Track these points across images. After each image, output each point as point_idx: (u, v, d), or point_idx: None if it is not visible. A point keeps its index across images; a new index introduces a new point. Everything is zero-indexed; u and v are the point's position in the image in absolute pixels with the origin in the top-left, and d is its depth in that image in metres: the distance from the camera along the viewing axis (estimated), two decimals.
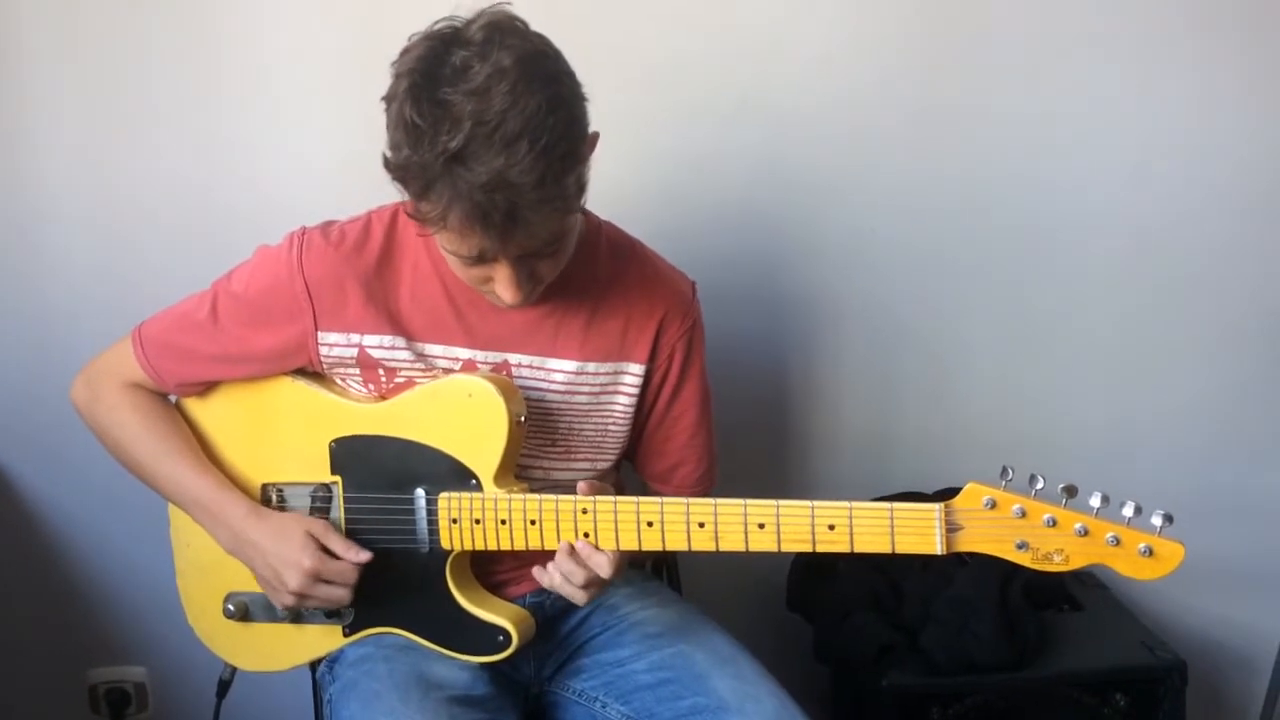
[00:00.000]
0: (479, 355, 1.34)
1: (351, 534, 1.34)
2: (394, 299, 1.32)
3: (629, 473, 1.53)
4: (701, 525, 1.22)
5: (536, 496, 1.26)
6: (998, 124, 1.90)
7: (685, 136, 1.86)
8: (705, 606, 1.50)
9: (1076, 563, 1.12)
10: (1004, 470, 1.13)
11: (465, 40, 1.12)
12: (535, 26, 1.17)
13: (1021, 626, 1.68)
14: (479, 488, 1.29)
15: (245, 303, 1.33)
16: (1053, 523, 1.12)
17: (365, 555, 1.30)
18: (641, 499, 1.24)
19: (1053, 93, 1.89)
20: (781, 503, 1.19)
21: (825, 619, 1.80)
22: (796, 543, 1.19)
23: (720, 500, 1.21)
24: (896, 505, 1.17)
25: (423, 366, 1.33)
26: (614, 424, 1.41)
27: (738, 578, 1.91)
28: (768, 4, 1.83)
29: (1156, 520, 1.10)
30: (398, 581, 1.34)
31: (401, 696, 1.27)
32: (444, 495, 1.30)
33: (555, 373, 1.36)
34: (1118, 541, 1.10)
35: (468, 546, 1.30)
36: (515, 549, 1.28)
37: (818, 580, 1.84)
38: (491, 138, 1.07)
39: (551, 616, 1.44)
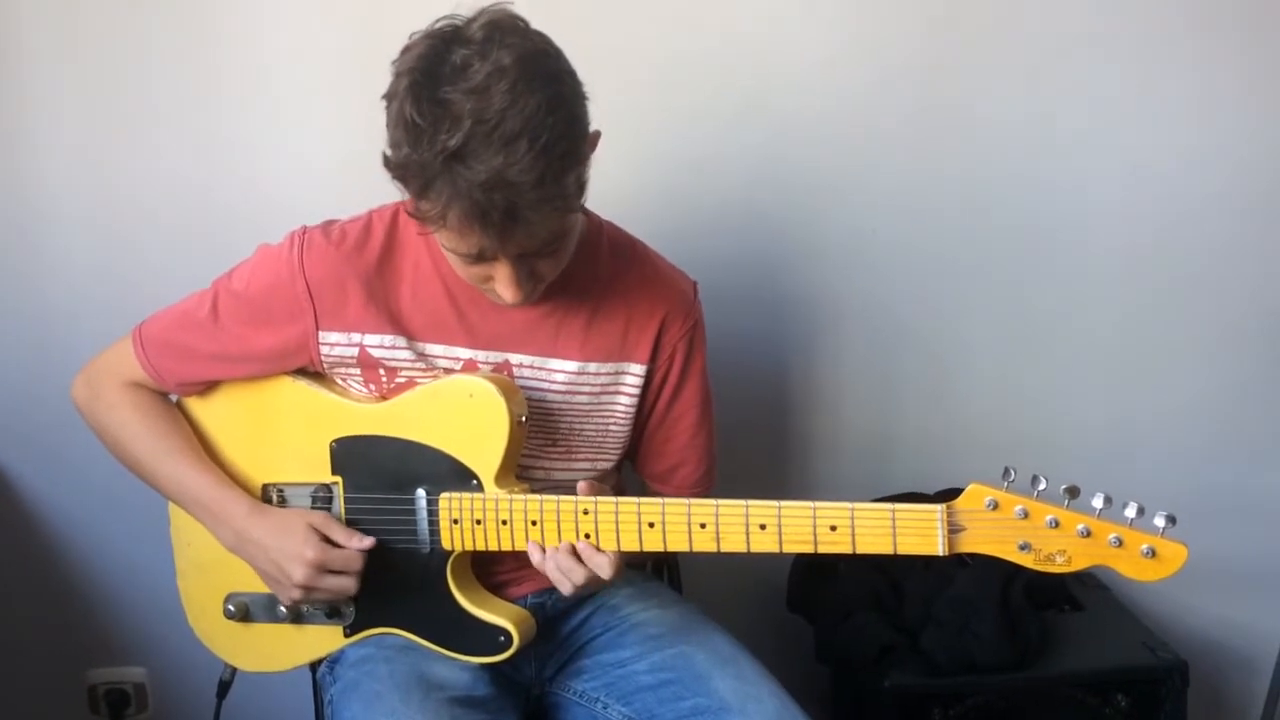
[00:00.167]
0: (480, 355, 1.34)
1: None
2: (395, 299, 1.32)
3: (629, 473, 1.53)
4: (703, 526, 1.22)
5: (538, 497, 1.26)
6: (997, 125, 1.90)
7: (686, 137, 1.86)
8: (706, 607, 1.50)
9: (1079, 564, 1.12)
10: (1006, 471, 1.13)
11: (466, 39, 1.12)
12: (537, 27, 1.16)
13: (1023, 627, 1.68)
14: (480, 488, 1.29)
15: (246, 301, 1.33)
16: (1055, 524, 1.12)
17: (368, 541, 1.31)
18: (643, 500, 1.23)
19: (1053, 93, 1.89)
20: (783, 503, 1.19)
21: (826, 619, 1.80)
22: (798, 544, 1.19)
23: (722, 501, 1.21)
24: (898, 506, 1.16)
25: (423, 366, 1.33)
26: (615, 424, 1.40)
27: (738, 578, 1.91)
28: (768, 6, 1.83)
29: (1159, 521, 1.09)
30: (399, 582, 1.33)
31: (403, 697, 1.27)
32: (445, 496, 1.29)
33: (556, 373, 1.36)
34: (1120, 543, 1.10)
35: (469, 547, 1.30)
36: (516, 549, 1.28)
37: (818, 581, 1.84)
38: (491, 136, 1.07)
39: (552, 617, 1.44)
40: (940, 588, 1.72)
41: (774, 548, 1.20)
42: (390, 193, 1.20)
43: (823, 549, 1.19)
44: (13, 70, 1.75)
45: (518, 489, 1.29)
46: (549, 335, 1.35)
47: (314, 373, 1.37)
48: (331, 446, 1.34)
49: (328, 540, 1.31)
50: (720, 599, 1.64)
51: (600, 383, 1.38)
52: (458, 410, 1.28)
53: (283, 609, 1.39)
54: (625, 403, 1.40)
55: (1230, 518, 2.01)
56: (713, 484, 1.52)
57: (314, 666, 1.48)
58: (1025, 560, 1.14)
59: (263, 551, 1.32)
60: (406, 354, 1.32)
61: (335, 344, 1.32)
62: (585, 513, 1.24)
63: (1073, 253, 1.96)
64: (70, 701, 2.01)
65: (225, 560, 1.37)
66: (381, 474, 1.33)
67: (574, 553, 1.25)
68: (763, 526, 1.20)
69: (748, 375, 1.93)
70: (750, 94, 1.85)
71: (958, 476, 1.57)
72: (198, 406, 1.41)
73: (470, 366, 1.34)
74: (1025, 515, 1.12)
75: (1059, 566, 1.12)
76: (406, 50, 1.14)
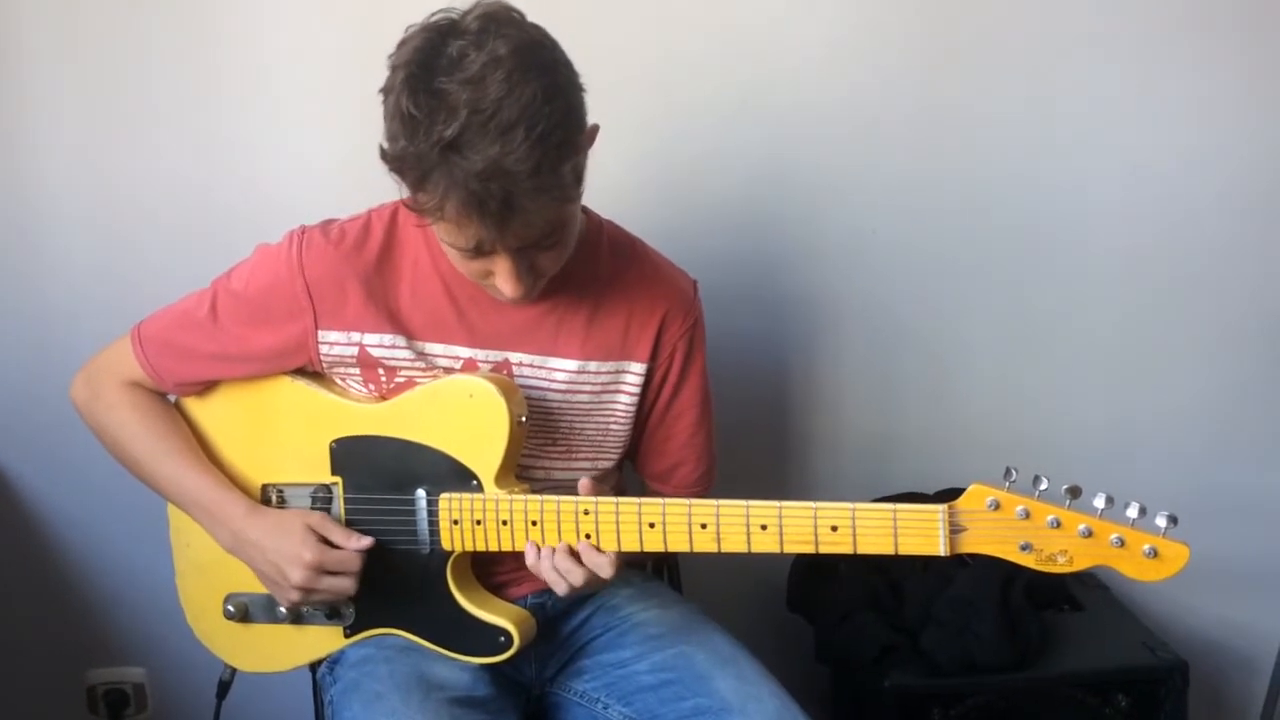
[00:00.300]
0: (480, 354, 1.34)
1: None
2: (394, 298, 1.32)
3: (630, 473, 1.53)
4: (704, 526, 1.21)
5: (538, 497, 1.26)
6: (997, 124, 1.90)
7: (686, 136, 1.86)
8: (706, 607, 1.50)
9: (1081, 564, 1.12)
10: (1007, 471, 1.13)
11: (461, 30, 1.12)
12: None
13: (1023, 627, 1.68)
14: (480, 488, 1.28)
15: (245, 301, 1.33)
16: (1056, 524, 1.12)
17: (366, 541, 1.30)
18: (644, 500, 1.23)
19: (1053, 93, 1.89)
20: (784, 504, 1.19)
21: (826, 619, 1.80)
22: (799, 544, 1.19)
23: (722, 501, 1.21)
24: (900, 506, 1.16)
25: (423, 366, 1.33)
26: (615, 423, 1.40)
27: (738, 578, 1.90)
28: (768, 3, 1.83)
29: (1161, 521, 1.09)
30: (399, 582, 1.33)
31: (403, 697, 1.27)
32: (445, 496, 1.29)
33: (556, 372, 1.35)
34: (1122, 543, 1.10)
35: (469, 547, 1.30)
36: (517, 550, 1.28)
37: (818, 581, 1.84)
38: (487, 126, 1.07)
39: (553, 617, 1.44)
40: (940, 588, 1.72)
41: (775, 548, 1.20)
42: (389, 192, 1.20)
43: (824, 549, 1.19)
44: (13, 70, 1.75)
45: (518, 489, 1.29)
46: (549, 334, 1.35)
47: (313, 372, 1.37)
48: (331, 447, 1.34)
49: (325, 541, 1.31)
50: (720, 599, 1.64)
51: (600, 381, 1.37)
52: (458, 410, 1.28)
53: (282, 609, 1.38)
54: (625, 401, 1.40)
55: (1230, 518, 2.01)
56: (713, 483, 1.52)
57: (314, 667, 1.47)
58: (1027, 560, 1.13)
59: (260, 553, 1.32)
60: (406, 353, 1.32)
61: (335, 343, 1.32)
62: (585, 513, 1.24)
63: (1073, 252, 1.96)
64: (69, 702, 2.01)
65: (225, 561, 1.37)
66: (381, 474, 1.32)
67: (572, 553, 1.24)
68: (764, 527, 1.20)
69: (747, 375, 1.93)
70: (750, 92, 1.85)
71: (958, 476, 1.57)
72: (196, 406, 1.41)
73: (470, 365, 1.33)
74: (1027, 515, 1.12)
75: (1061, 567, 1.12)
76: (402, 44, 1.14)
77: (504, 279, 1.20)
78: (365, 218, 1.34)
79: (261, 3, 1.76)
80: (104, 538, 1.94)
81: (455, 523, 1.29)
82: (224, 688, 1.53)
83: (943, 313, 1.98)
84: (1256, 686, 2.09)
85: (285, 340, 1.32)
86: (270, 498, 1.38)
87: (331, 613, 1.38)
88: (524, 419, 1.29)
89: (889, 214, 1.92)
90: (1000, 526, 1.13)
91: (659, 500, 1.23)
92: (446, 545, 1.30)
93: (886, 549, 1.17)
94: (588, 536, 1.24)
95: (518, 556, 1.29)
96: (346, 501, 1.35)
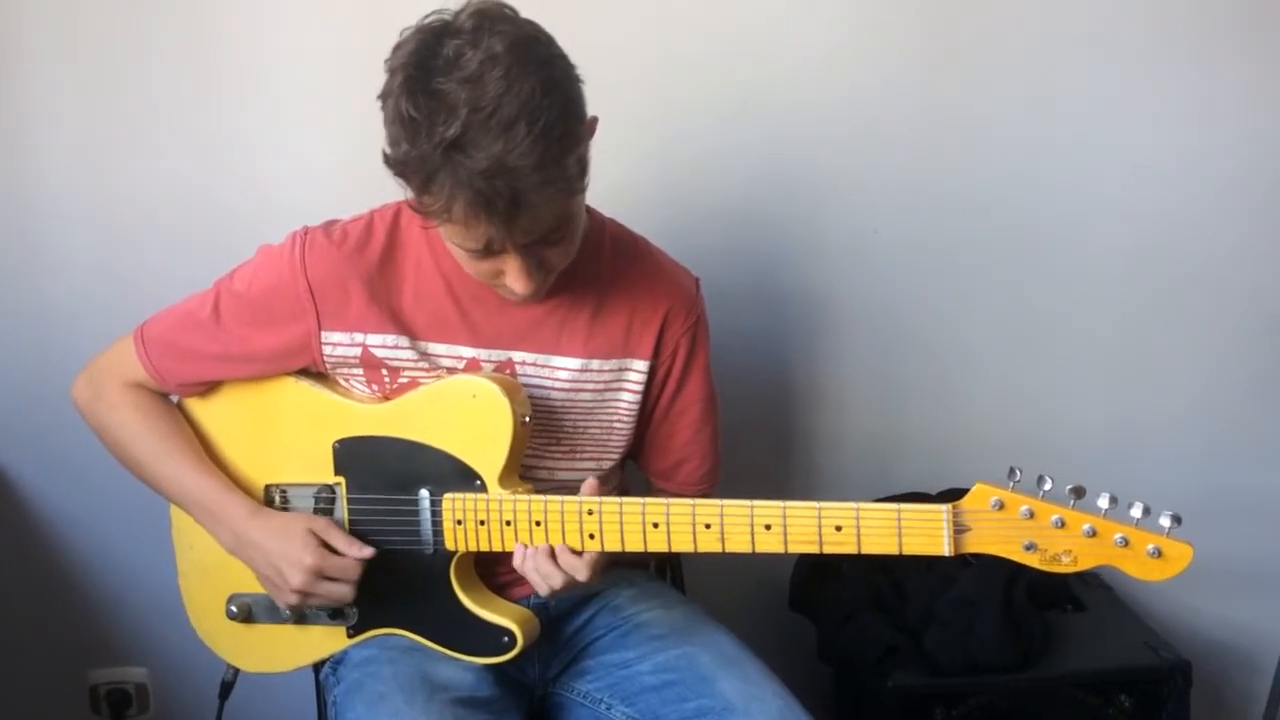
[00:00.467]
0: (483, 354, 1.34)
1: (355, 535, 1.33)
2: (397, 298, 1.32)
3: (634, 472, 1.53)
4: (708, 526, 1.21)
5: (541, 498, 1.26)
6: (998, 124, 1.90)
7: (686, 136, 1.86)
8: (708, 607, 1.50)
9: (1085, 564, 1.12)
10: (1011, 471, 1.13)
11: (456, 30, 1.12)
12: None
13: (1025, 627, 1.68)
14: (483, 489, 1.28)
15: (248, 302, 1.33)
16: (1061, 524, 1.11)
17: (368, 551, 1.30)
18: (647, 500, 1.23)
19: (1052, 93, 1.89)
20: (788, 504, 1.19)
21: (829, 619, 1.80)
22: (803, 544, 1.19)
23: (726, 501, 1.21)
24: (904, 506, 1.16)
25: (426, 366, 1.33)
26: (619, 422, 1.40)
27: (740, 578, 1.90)
28: (768, 3, 1.83)
29: (1165, 521, 1.09)
30: (402, 583, 1.33)
31: (407, 698, 1.27)
32: (448, 496, 1.29)
33: (559, 370, 1.35)
34: (1126, 543, 1.10)
35: (472, 548, 1.30)
36: None
37: (821, 580, 1.84)
38: (488, 123, 1.07)
39: (556, 618, 1.44)
40: (943, 588, 1.72)
41: (779, 548, 1.20)
42: (391, 192, 1.20)
43: (828, 549, 1.19)
44: (13, 70, 1.74)
45: (521, 489, 1.29)
46: (552, 333, 1.35)
47: (316, 373, 1.36)
48: (334, 447, 1.34)
49: (328, 546, 1.30)
50: (722, 599, 1.64)
51: (604, 380, 1.37)
52: (461, 410, 1.28)
53: (285, 610, 1.38)
54: (629, 399, 1.39)
55: (1233, 518, 2.01)
56: (717, 481, 1.52)
57: (317, 667, 1.47)
58: (1031, 560, 1.13)
59: (262, 555, 1.32)
60: (409, 353, 1.32)
61: (338, 344, 1.32)
62: (590, 513, 1.24)
63: (1074, 252, 1.96)
64: (71, 702, 2.00)
65: (228, 562, 1.37)
66: (384, 475, 1.32)
67: (551, 556, 1.24)
68: (768, 527, 1.20)
69: (749, 374, 1.93)
70: (750, 92, 1.85)
71: (960, 476, 1.57)
72: (199, 407, 1.41)
73: (473, 365, 1.33)
74: (1031, 515, 1.12)
75: (1065, 566, 1.12)
76: (398, 47, 1.14)
77: (514, 277, 1.20)
78: (368, 218, 1.34)
79: (261, 3, 1.75)
80: (106, 537, 1.94)
81: (459, 523, 1.29)
82: (226, 688, 1.52)
83: (944, 312, 1.98)
84: (1259, 686, 2.09)
85: (288, 341, 1.32)
86: (273, 498, 1.38)
87: (335, 613, 1.37)
88: (527, 419, 1.29)
89: (890, 213, 1.92)
90: (1005, 526, 1.13)
91: (663, 500, 1.23)
92: (450, 545, 1.30)
93: (891, 549, 1.17)
94: (591, 536, 1.24)
95: None
96: (349, 502, 1.35)
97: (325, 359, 1.32)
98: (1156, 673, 1.70)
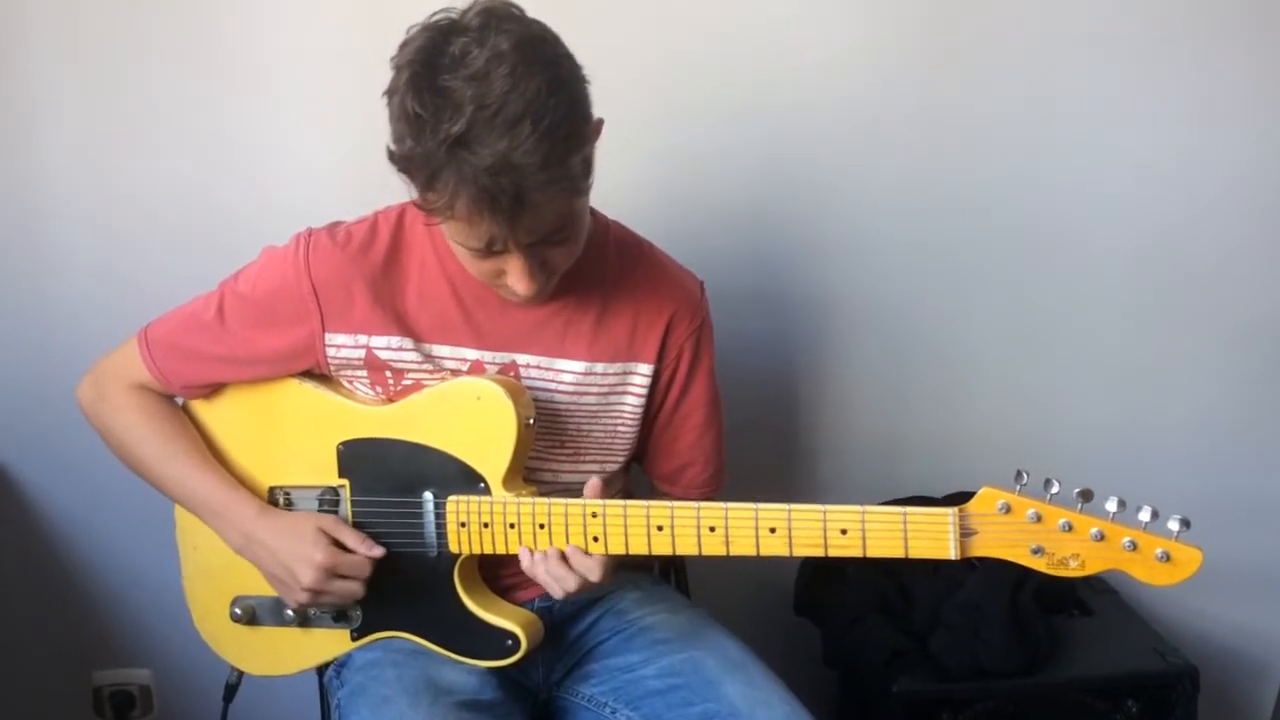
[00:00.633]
0: (487, 356, 1.33)
1: None
2: (401, 300, 1.32)
3: (638, 476, 1.52)
4: (712, 530, 1.21)
5: (545, 500, 1.25)
6: (999, 125, 1.89)
7: (689, 137, 1.85)
8: (712, 610, 1.49)
9: (1093, 568, 1.11)
10: (1018, 474, 1.12)
11: (462, 28, 1.12)
12: None
13: (1032, 631, 1.67)
14: (487, 491, 1.28)
15: (252, 304, 1.33)
16: (1068, 528, 1.11)
17: (379, 550, 1.30)
18: (651, 503, 1.23)
19: (1054, 93, 1.88)
20: (793, 507, 1.18)
21: (834, 623, 1.79)
22: (808, 547, 1.18)
23: (731, 505, 1.21)
24: (910, 509, 1.15)
25: (430, 368, 1.32)
26: (623, 425, 1.40)
27: (744, 581, 1.90)
28: (769, 4, 1.82)
29: (1174, 525, 1.08)
30: (406, 585, 1.33)
31: (410, 701, 1.27)
32: (452, 499, 1.29)
33: (564, 373, 1.35)
34: (1134, 547, 1.09)
35: (476, 550, 1.29)
36: None
37: (826, 584, 1.83)
38: (493, 121, 1.07)
39: (560, 621, 1.43)
40: (949, 592, 1.71)
41: (784, 551, 1.19)
42: (395, 193, 1.20)
43: (833, 553, 1.18)
44: (16, 70, 1.74)
45: (525, 492, 1.28)
46: (556, 335, 1.34)
47: (320, 375, 1.36)
48: (338, 449, 1.34)
49: (337, 544, 1.30)
50: (727, 602, 1.63)
51: (608, 383, 1.37)
52: (465, 413, 1.28)
53: (289, 612, 1.38)
54: (633, 403, 1.39)
55: (1241, 521, 2.00)
56: (722, 484, 1.51)
57: (321, 670, 1.46)
58: (1038, 564, 1.13)
59: (271, 554, 1.32)
60: (413, 355, 1.32)
61: (342, 346, 1.31)
62: (594, 516, 1.24)
63: (1080, 255, 1.95)
64: (75, 703, 2.00)
65: (232, 563, 1.36)
66: (388, 477, 1.32)
67: (564, 559, 1.24)
68: (772, 530, 1.19)
69: (753, 376, 1.92)
70: (753, 93, 1.85)
71: (965, 478, 1.56)
72: (204, 409, 1.40)
73: (477, 367, 1.33)
74: (1038, 519, 1.11)
75: (1072, 571, 1.11)
76: (404, 45, 1.14)
77: (516, 277, 1.20)
78: (372, 220, 1.34)
79: (263, 2, 1.75)
80: (109, 538, 1.93)
81: (462, 525, 1.28)
82: (230, 690, 1.52)
83: (950, 314, 1.97)
84: (1267, 692, 2.08)
85: (292, 343, 1.32)
86: (277, 500, 1.38)
87: (338, 616, 1.37)
88: (531, 421, 1.29)
89: (894, 214, 1.91)
90: (1011, 530, 1.13)
91: (667, 503, 1.23)
92: (454, 548, 1.30)
93: (896, 552, 1.16)
94: (595, 539, 1.24)
95: None
96: (354, 504, 1.34)
97: (329, 361, 1.32)
98: (1164, 678, 1.69)
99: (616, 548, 1.24)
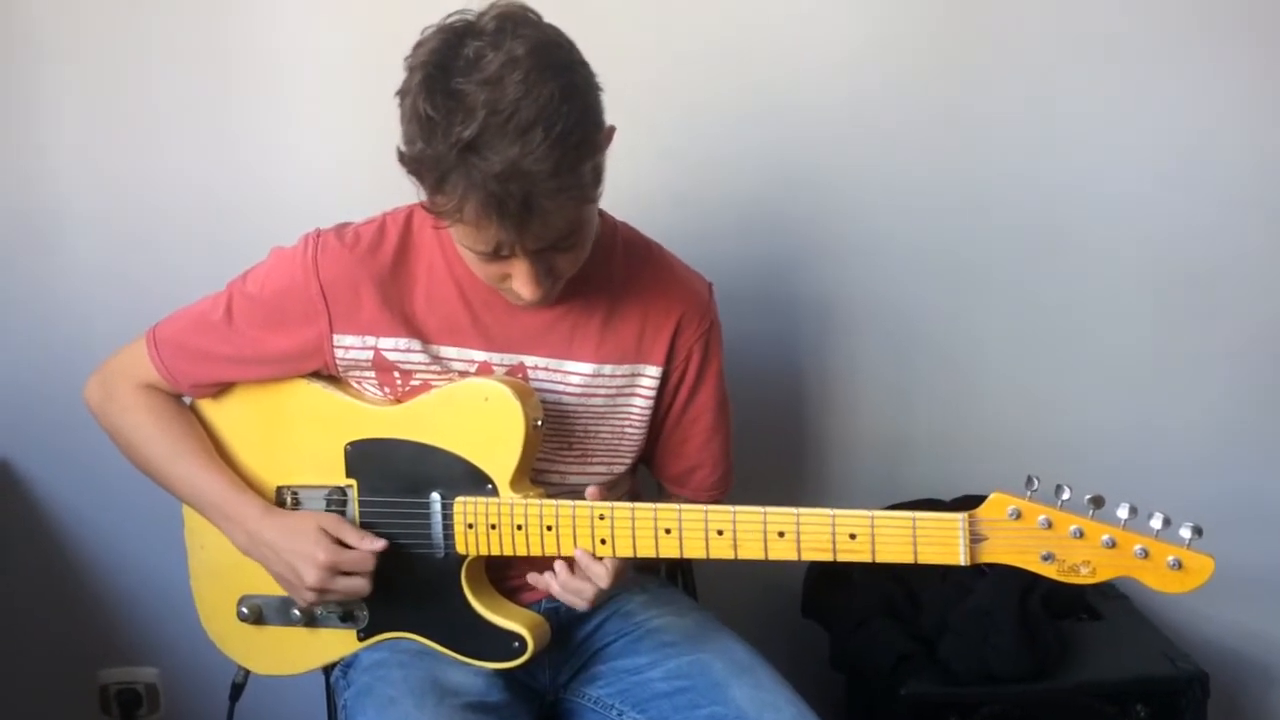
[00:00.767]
0: (494, 357, 1.33)
1: None
2: (409, 301, 1.31)
3: (645, 478, 1.52)
4: (720, 533, 1.21)
5: (553, 502, 1.25)
6: (1002, 125, 1.89)
7: (697, 138, 1.85)
8: (719, 612, 1.49)
9: (1104, 575, 1.10)
10: (1029, 480, 1.11)
11: (478, 31, 1.12)
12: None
13: (1041, 636, 1.66)
14: (495, 492, 1.28)
15: (260, 304, 1.32)
16: (1080, 534, 1.10)
17: (380, 543, 1.30)
18: (659, 505, 1.23)
19: (1054, 93, 1.88)
20: (801, 511, 1.18)
21: (841, 626, 1.79)
22: (817, 551, 1.18)
23: (739, 508, 1.20)
24: (919, 514, 1.15)
25: (438, 369, 1.32)
26: (630, 427, 1.39)
27: (752, 583, 1.89)
28: (773, 7, 1.82)
29: (1185, 532, 1.08)
30: (412, 586, 1.33)
31: (417, 702, 1.26)
32: (459, 500, 1.29)
33: (572, 375, 1.35)
34: (1146, 554, 1.08)
35: (483, 552, 1.29)
36: (531, 554, 1.27)
37: (833, 587, 1.83)
38: (505, 126, 1.07)
39: (567, 623, 1.43)
40: (959, 596, 1.70)
41: (792, 555, 1.19)
42: (403, 194, 1.20)
43: (842, 557, 1.17)
44: (23, 69, 1.75)
45: (533, 493, 1.28)
46: (564, 337, 1.34)
47: (328, 375, 1.36)
48: (346, 449, 1.34)
49: (339, 542, 1.30)
50: (734, 604, 1.63)
51: (616, 385, 1.37)
52: (473, 414, 1.27)
53: (296, 612, 1.38)
54: (641, 405, 1.39)
55: (1251, 525, 1.98)
56: (730, 487, 1.51)
57: (327, 670, 1.47)
58: (1049, 571, 1.12)
59: (275, 553, 1.32)
60: (421, 357, 1.31)
61: (350, 347, 1.31)
62: (601, 518, 1.23)
63: (1088, 257, 1.94)
64: (81, 701, 2.00)
65: (239, 563, 1.36)
66: (396, 477, 1.32)
67: (573, 568, 1.25)
68: (781, 534, 1.19)
69: (761, 377, 1.92)
70: (761, 95, 1.85)
71: (973, 482, 1.56)
72: (211, 409, 1.40)
73: (485, 369, 1.33)
74: (1049, 525, 1.11)
75: (1083, 578, 1.11)
76: (419, 46, 1.14)
77: (522, 282, 1.19)
78: (380, 221, 1.34)
79: (271, 3, 1.75)
80: (117, 537, 1.94)
81: (470, 527, 1.28)
82: (237, 690, 1.52)
83: (955, 315, 1.97)
84: (1276, 697, 2.07)
85: (300, 343, 1.32)
86: (285, 500, 1.38)
87: (345, 616, 1.37)
88: (539, 422, 1.28)
89: (901, 216, 1.91)
90: (1022, 536, 1.12)
91: (675, 506, 1.23)
92: (461, 549, 1.30)
93: (906, 558, 1.15)
94: (603, 541, 1.24)
95: (532, 561, 1.29)
96: (361, 504, 1.34)
97: (337, 362, 1.32)
98: (1174, 683, 1.68)
99: (624, 550, 1.23)
